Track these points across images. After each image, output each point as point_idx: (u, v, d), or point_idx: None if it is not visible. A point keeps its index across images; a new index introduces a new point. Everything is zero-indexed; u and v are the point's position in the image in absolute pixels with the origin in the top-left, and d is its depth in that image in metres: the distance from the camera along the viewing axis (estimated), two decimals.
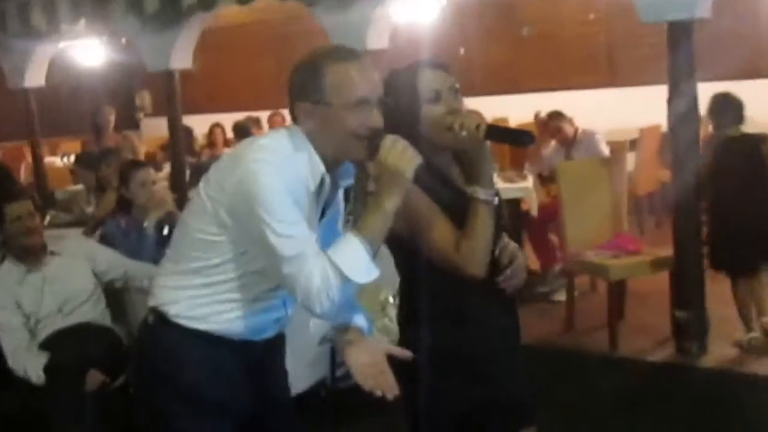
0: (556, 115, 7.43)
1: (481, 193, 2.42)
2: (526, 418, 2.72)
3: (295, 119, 2.39)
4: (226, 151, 9.56)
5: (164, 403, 2.52)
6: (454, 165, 2.56)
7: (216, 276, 2.40)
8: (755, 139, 5.48)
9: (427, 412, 2.59)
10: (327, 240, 2.37)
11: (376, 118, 2.30)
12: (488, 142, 2.42)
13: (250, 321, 2.48)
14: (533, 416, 2.74)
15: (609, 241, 5.86)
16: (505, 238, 2.58)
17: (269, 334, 2.59)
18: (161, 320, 2.47)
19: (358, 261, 2.24)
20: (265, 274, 2.38)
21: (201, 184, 2.42)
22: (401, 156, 2.24)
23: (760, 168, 5.35)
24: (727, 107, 5.62)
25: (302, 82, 2.35)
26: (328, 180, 2.35)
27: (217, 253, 2.37)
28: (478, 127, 2.35)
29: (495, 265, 2.51)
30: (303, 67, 2.38)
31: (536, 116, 8.61)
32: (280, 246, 2.20)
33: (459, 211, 2.43)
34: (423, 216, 2.45)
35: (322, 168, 2.32)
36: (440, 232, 2.44)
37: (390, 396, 2.37)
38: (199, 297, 2.43)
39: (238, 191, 2.25)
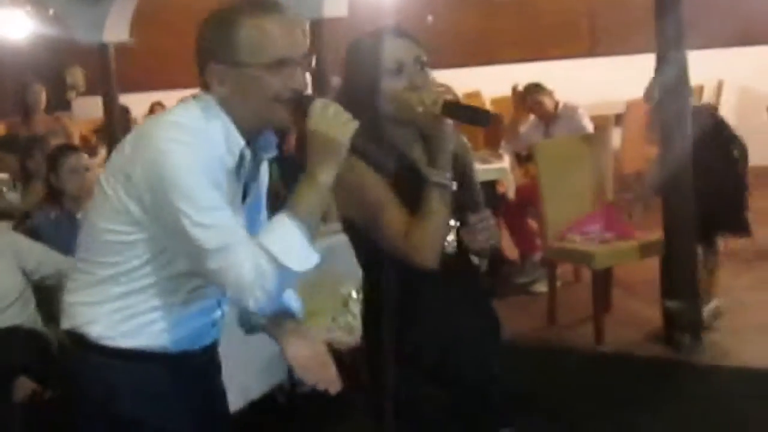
0: (535, 88, 7.43)
1: (434, 175, 2.39)
2: (498, 422, 2.72)
3: (205, 85, 2.24)
4: None
5: None
6: (418, 144, 2.53)
7: (135, 282, 2.22)
8: (706, 110, 5.65)
9: (390, 415, 2.60)
10: (253, 226, 2.28)
11: (301, 79, 2.20)
12: (450, 120, 2.40)
13: (184, 329, 2.32)
14: (506, 420, 2.74)
15: (596, 213, 5.94)
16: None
17: (207, 341, 2.44)
18: (81, 344, 2.28)
19: (295, 246, 2.09)
20: (191, 273, 2.23)
21: (101, 175, 2.25)
22: (334, 121, 2.12)
23: (717, 135, 5.59)
24: None
25: (213, 40, 2.21)
26: (248, 154, 2.24)
27: (132, 256, 2.19)
28: (435, 102, 2.34)
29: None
30: (214, 23, 2.24)
31: (514, 90, 8.60)
32: (202, 238, 2.04)
33: (415, 194, 2.41)
34: (373, 199, 2.43)
35: (240, 141, 2.20)
36: (390, 216, 2.42)
37: (333, 392, 2.34)
38: (121, 310, 2.24)
39: (148, 178, 2.08)
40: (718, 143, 5.58)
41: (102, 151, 8.38)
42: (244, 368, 4.49)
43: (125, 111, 9.46)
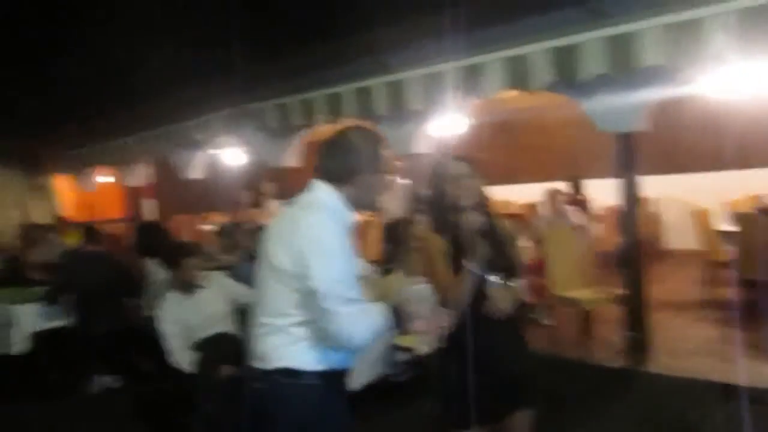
0: (558, 191, 7.34)
1: (468, 265, 2.48)
2: (522, 402, 2.65)
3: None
4: None
5: None
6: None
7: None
8: None
9: (449, 393, 2.56)
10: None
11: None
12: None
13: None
14: (527, 401, 2.66)
15: None
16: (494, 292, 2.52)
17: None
18: (292, 375, 2.07)
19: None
20: None
21: None
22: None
23: None
24: None
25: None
26: None
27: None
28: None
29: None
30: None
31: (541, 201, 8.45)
32: None
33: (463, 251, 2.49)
34: (434, 264, 2.56)
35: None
36: (440, 277, 2.54)
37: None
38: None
39: None
40: None
41: None
42: (360, 363, 4.48)
43: None
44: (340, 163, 2.11)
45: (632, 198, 5.18)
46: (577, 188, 8.25)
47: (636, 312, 5.26)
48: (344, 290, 1.96)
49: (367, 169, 2.10)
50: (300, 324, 2.01)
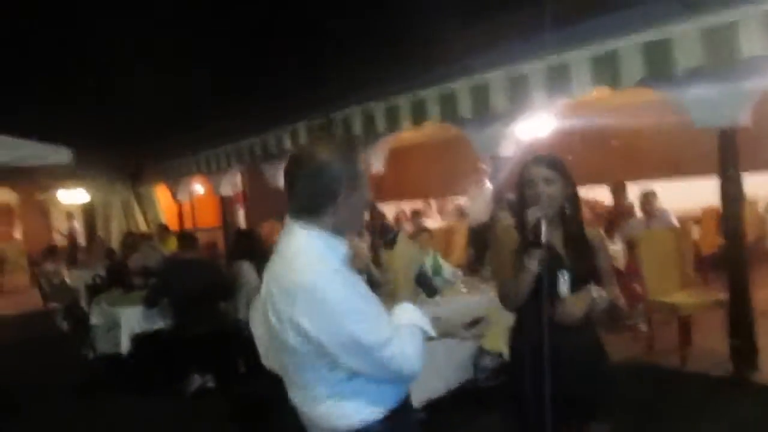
0: (651, 193, 7.07)
1: (526, 261, 2.39)
2: (594, 415, 2.52)
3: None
4: (407, 226, 9.69)
5: None
6: (558, 230, 2.48)
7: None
8: None
9: (520, 401, 2.50)
10: None
11: None
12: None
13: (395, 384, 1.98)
14: (601, 415, 2.52)
15: None
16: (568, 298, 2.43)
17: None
18: None
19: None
20: None
21: None
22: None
23: None
24: None
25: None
26: None
27: None
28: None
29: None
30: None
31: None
32: None
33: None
34: (501, 253, 2.55)
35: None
36: (503, 269, 2.51)
37: None
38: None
39: None
40: None
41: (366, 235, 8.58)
42: (447, 367, 4.45)
43: (381, 214, 9.70)
44: (313, 190, 1.79)
45: (735, 197, 4.90)
46: (618, 196, 7.91)
47: (740, 318, 4.96)
48: (375, 336, 1.71)
49: (344, 189, 1.78)
50: (343, 381, 1.79)
